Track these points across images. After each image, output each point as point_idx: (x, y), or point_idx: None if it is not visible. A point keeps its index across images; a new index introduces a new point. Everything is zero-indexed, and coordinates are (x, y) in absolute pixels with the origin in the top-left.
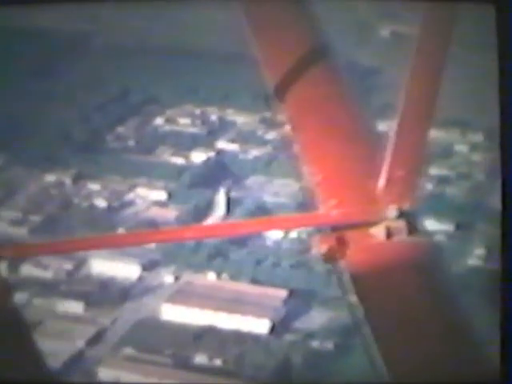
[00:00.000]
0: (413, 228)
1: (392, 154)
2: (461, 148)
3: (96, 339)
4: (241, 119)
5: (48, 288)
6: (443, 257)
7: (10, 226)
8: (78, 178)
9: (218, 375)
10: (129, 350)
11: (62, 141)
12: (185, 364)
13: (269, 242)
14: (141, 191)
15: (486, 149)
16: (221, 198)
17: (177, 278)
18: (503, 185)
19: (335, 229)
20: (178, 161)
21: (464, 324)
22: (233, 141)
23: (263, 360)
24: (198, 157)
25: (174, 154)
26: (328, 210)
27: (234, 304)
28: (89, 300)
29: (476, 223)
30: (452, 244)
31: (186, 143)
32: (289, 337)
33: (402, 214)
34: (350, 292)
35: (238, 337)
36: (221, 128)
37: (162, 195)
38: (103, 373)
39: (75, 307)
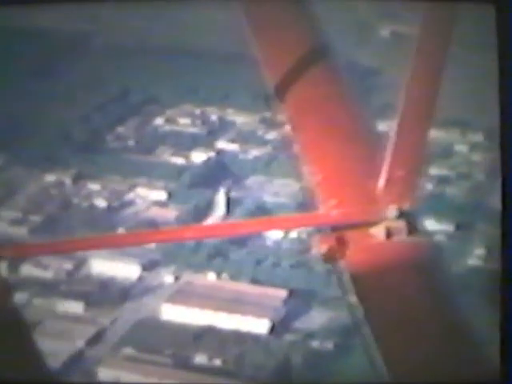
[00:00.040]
0: (413, 228)
1: (392, 154)
2: (461, 148)
3: (96, 339)
4: (241, 119)
5: (48, 288)
6: (443, 257)
7: (10, 226)
8: (78, 178)
9: (218, 375)
10: (129, 350)
11: (62, 141)
12: (185, 364)
13: (269, 242)
14: (141, 191)
15: (486, 149)
16: (221, 198)
17: (177, 278)
18: (503, 185)
19: (335, 229)
20: (178, 161)
21: (463, 324)
22: (233, 141)
23: (263, 360)
24: (198, 157)
25: (174, 154)
26: (328, 210)
27: (234, 304)
28: (89, 300)
29: (476, 223)
30: (452, 244)
31: (186, 143)
32: (289, 337)
33: (401, 214)
34: (350, 292)
35: (238, 337)
36: (221, 128)
37: (161, 195)
38: (103, 373)
39: (75, 307)
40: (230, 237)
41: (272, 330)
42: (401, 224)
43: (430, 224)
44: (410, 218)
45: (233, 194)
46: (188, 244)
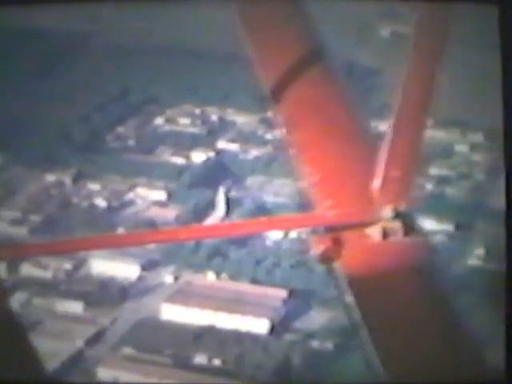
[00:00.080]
0: (409, 228)
1: (388, 154)
2: (461, 148)
3: (95, 339)
4: (241, 119)
5: (48, 288)
6: (439, 257)
7: (10, 225)
8: (77, 178)
9: (218, 375)
10: (128, 350)
11: (62, 141)
12: (185, 364)
13: (269, 242)
14: (141, 191)
15: (486, 149)
16: (221, 198)
17: (176, 278)
18: (507, 183)
19: (331, 229)
20: (178, 161)
21: (462, 324)
22: (233, 141)
23: (263, 360)
24: (198, 157)
25: (174, 154)
26: (324, 210)
27: (234, 304)
28: (88, 300)
29: (476, 223)
30: (452, 244)
31: (186, 143)
32: (288, 337)
33: (398, 215)
34: (347, 293)
35: (238, 337)
36: (221, 128)
37: (161, 195)
38: (103, 373)
39: (75, 307)
40: (230, 237)
41: (272, 329)
42: (397, 224)
43: (430, 224)
44: (406, 219)
45: (233, 194)
46: (188, 244)
